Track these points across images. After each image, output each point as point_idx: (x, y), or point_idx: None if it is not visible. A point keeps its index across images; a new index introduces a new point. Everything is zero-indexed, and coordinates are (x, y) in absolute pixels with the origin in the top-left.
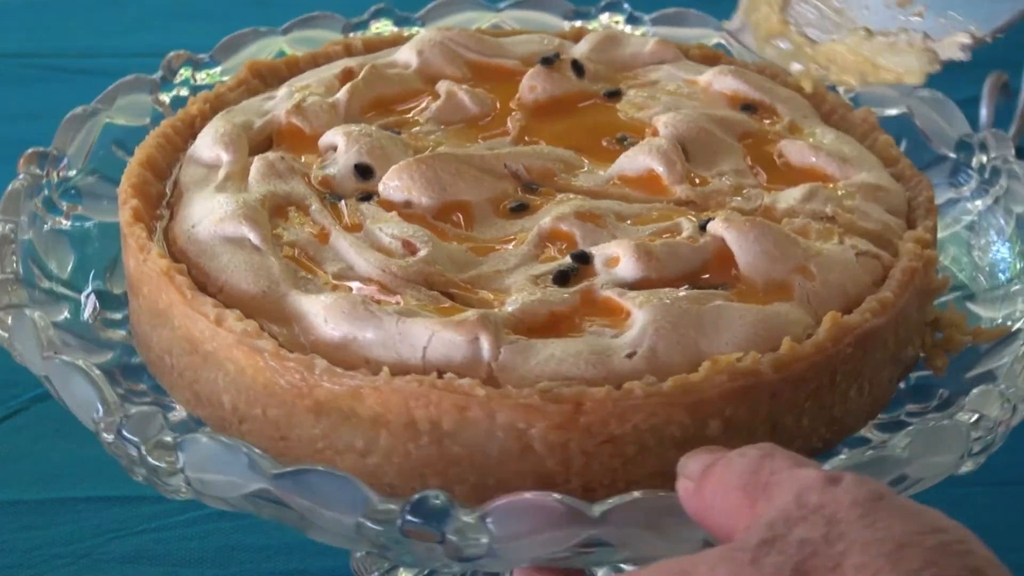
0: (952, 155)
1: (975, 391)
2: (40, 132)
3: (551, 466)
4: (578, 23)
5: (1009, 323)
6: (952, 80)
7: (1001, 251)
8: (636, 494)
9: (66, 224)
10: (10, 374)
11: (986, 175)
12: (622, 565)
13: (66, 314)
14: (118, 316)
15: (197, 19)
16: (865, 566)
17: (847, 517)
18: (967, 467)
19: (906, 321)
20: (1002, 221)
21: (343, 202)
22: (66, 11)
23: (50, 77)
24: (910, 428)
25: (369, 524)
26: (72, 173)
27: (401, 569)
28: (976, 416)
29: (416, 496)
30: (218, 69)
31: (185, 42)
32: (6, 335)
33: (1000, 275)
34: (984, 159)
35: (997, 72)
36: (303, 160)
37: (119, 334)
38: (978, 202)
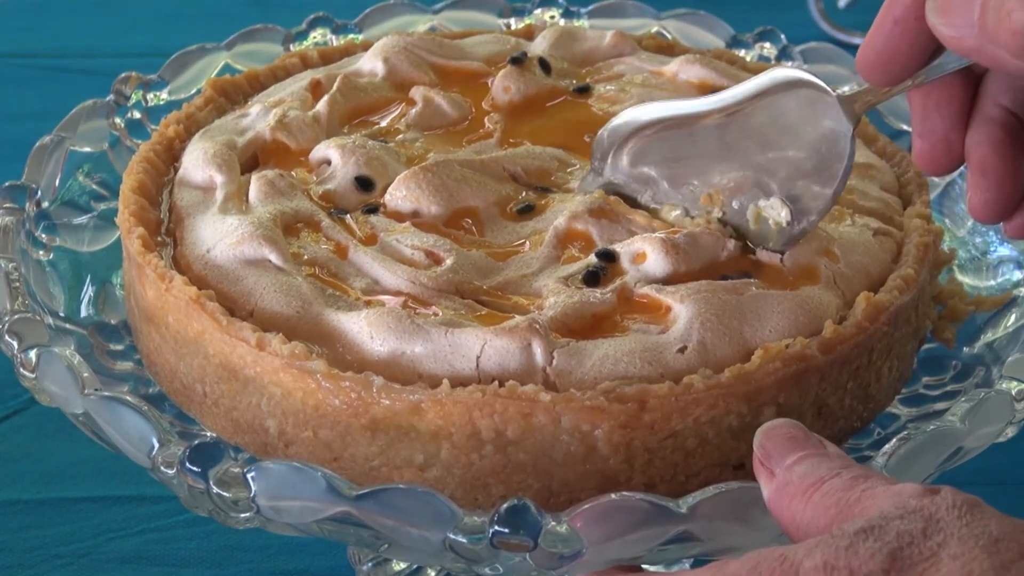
0: (910, 128)
1: (1011, 359)
2: (40, 132)
3: (614, 465)
4: (512, 20)
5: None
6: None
7: None
8: (721, 486)
9: (48, 257)
10: (10, 374)
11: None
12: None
13: (71, 349)
14: (120, 347)
15: (197, 19)
16: (961, 555)
17: (946, 516)
18: (1009, 434)
19: (923, 295)
20: None
21: (349, 216)
22: (66, 11)
23: (50, 77)
24: (960, 400)
25: (459, 539)
26: (45, 204)
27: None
28: (1019, 385)
29: (504, 506)
30: (166, 91)
31: (184, 42)
32: (33, 376)
33: (979, 241)
34: None
35: None
36: (295, 175)
37: (128, 365)
38: (950, 174)
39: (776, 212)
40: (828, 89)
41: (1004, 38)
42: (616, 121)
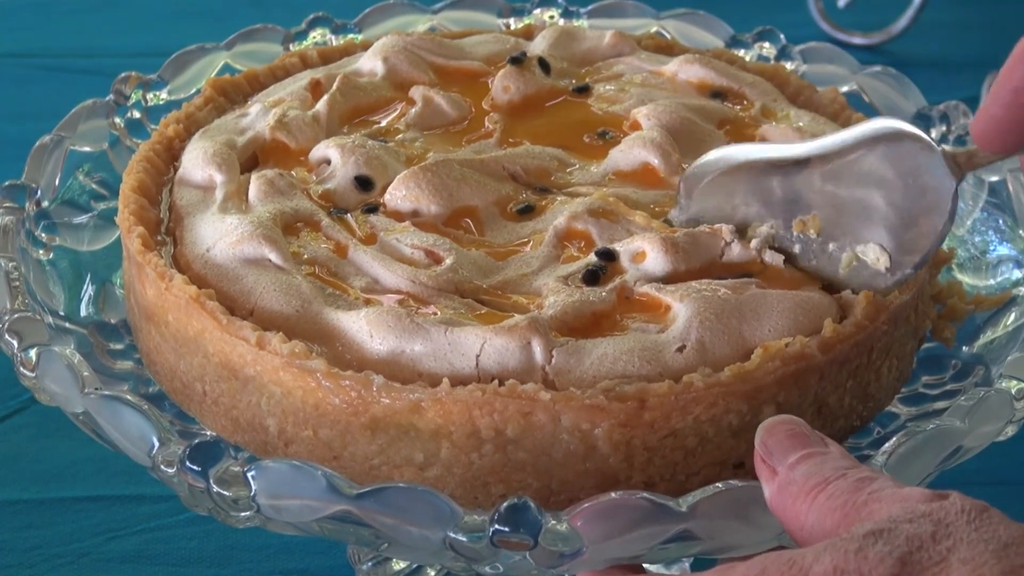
0: None
1: (1011, 358)
2: (40, 132)
3: (614, 464)
4: (512, 20)
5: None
6: (952, 80)
7: (977, 218)
8: (721, 485)
9: (48, 256)
10: (10, 373)
11: (948, 146)
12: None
13: (72, 348)
14: (120, 347)
15: (197, 19)
16: (971, 560)
17: (955, 521)
18: (1008, 432)
19: (922, 294)
20: (974, 189)
21: (349, 215)
22: (66, 11)
23: (50, 77)
24: (959, 400)
25: (459, 537)
26: (45, 204)
27: (393, 560)
28: (1019, 384)
29: (505, 504)
30: (165, 90)
31: (184, 42)
32: (33, 375)
33: (978, 240)
34: (944, 130)
35: (997, 72)
36: (295, 175)
37: (127, 364)
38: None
39: (874, 257)
40: (933, 144)
41: None
42: (706, 158)
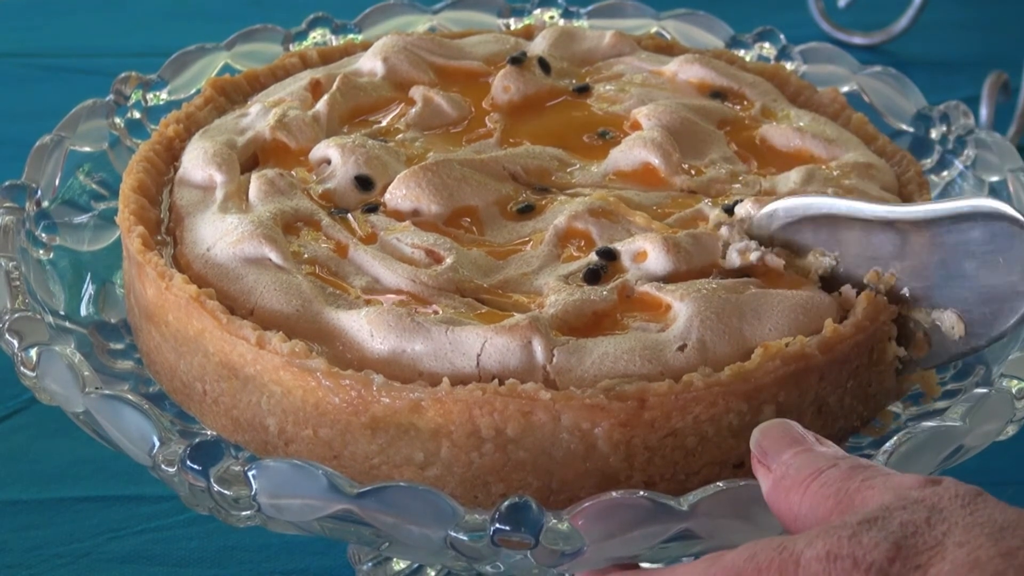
0: (910, 129)
1: (1011, 357)
2: (40, 132)
3: (614, 463)
4: (512, 20)
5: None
6: (952, 80)
7: None
8: (721, 484)
9: (49, 256)
10: (10, 373)
11: (949, 146)
12: None
13: (72, 347)
14: (120, 346)
15: (196, 19)
16: (967, 542)
17: (950, 506)
18: (1009, 432)
19: None
20: (974, 189)
21: (350, 215)
22: (66, 11)
23: (50, 77)
24: (960, 399)
25: (460, 536)
26: (45, 204)
27: (393, 560)
28: (1019, 383)
29: (505, 503)
30: (165, 90)
31: (184, 42)
32: (33, 374)
33: None
34: (944, 130)
35: (997, 72)
36: (295, 174)
37: (127, 364)
38: (944, 173)
39: (950, 325)
40: None
41: None
42: (787, 202)
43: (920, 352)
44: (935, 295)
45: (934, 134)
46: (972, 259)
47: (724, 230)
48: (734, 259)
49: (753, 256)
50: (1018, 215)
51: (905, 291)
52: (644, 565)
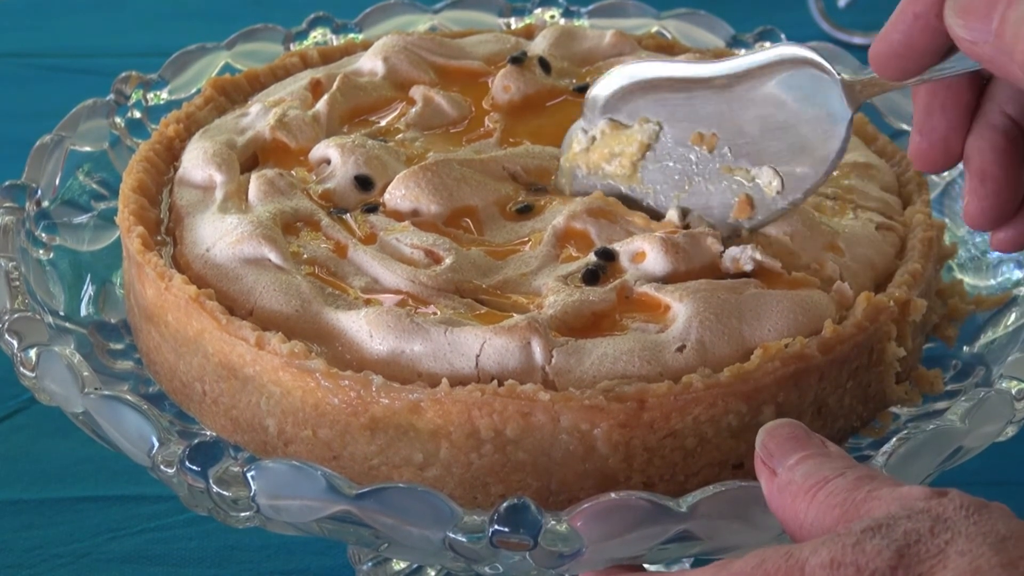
0: (910, 129)
1: (1011, 358)
2: (40, 132)
3: (613, 465)
4: (512, 20)
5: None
6: None
7: None
8: (721, 485)
9: (48, 256)
10: (10, 373)
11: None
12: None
13: (72, 348)
14: (120, 346)
15: (197, 19)
16: (969, 552)
17: (954, 516)
18: (1009, 433)
19: (929, 291)
20: None
21: (349, 215)
22: (66, 11)
23: (50, 77)
24: (960, 399)
25: (459, 538)
26: (45, 204)
27: (393, 560)
28: (1019, 384)
29: (504, 504)
30: (166, 90)
31: (184, 42)
32: (33, 375)
33: (979, 240)
34: None
35: None
36: (295, 174)
37: (127, 364)
38: (944, 172)
39: (767, 181)
40: (833, 71)
41: (1020, 55)
42: (611, 75)
43: (743, 214)
44: (753, 151)
45: None
46: (783, 109)
47: (710, 240)
48: (727, 266)
49: (747, 266)
50: (819, 58)
51: (727, 150)
52: (645, 566)
